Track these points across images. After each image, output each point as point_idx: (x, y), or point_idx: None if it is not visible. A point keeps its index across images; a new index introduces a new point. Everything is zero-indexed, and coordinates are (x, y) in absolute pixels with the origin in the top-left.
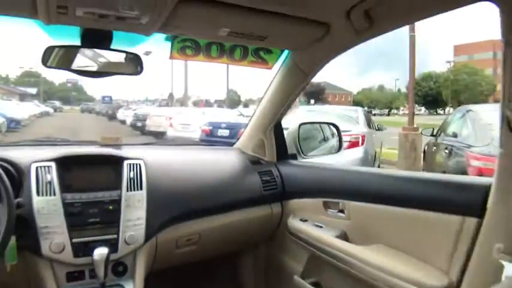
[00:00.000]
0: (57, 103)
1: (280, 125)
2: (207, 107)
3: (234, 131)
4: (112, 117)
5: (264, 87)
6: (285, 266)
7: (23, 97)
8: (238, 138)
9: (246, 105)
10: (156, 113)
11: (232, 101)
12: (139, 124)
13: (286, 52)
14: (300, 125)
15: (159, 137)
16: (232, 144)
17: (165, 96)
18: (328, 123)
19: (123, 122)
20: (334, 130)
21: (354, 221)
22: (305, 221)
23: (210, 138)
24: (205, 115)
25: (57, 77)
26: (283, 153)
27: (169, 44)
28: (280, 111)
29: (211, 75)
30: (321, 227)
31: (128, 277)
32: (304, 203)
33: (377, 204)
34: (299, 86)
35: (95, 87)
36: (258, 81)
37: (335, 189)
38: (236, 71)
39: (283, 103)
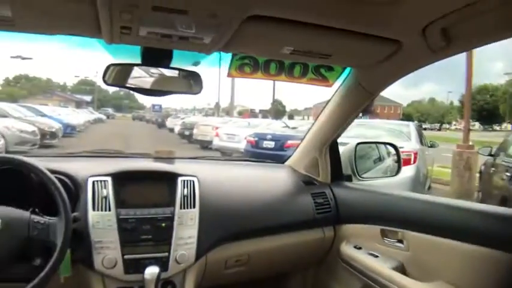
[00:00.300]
0: (110, 110)
1: (337, 144)
2: (252, 117)
3: (280, 142)
4: (161, 125)
5: (310, 98)
6: None
7: (79, 104)
8: (284, 150)
9: (291, 116)
10: (203, 123)
11: (277, 111)
12: (186, 133)
13: (348, 69)
14: (357, 144)
15: (204, 146)
16: (283, 161)
17: (211, 105)
18: (386, 143)
19: (171, 130)
20: (391, 149)
21: (413, 253)
22: (359, 248)
23: (255, 150)
24: (250, 126)
25: None
26: (337, 174)
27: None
28: (338, 130)
29: (256, 85)
30: (377, 256)
31: None
32: (358, 229)
33: (441, 237)
34: (360, 105)
35: (145, 96)
36: (303, 92)
37: (394, 217)
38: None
39: (341, 122)
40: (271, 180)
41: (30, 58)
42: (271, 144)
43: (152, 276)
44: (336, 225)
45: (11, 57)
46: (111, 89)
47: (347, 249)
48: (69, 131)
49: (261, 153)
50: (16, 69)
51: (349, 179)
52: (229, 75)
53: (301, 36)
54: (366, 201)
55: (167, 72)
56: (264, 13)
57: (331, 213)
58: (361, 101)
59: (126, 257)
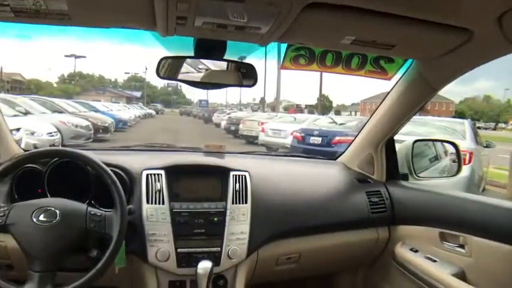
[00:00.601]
0: (159, 106)
1: (393, 141)
2: (298, 113)
3: (327, 139)
4: (208, 120)
5: (357, 94)
6: None
7: (129, 100)
8: (331, 146)
9: (337, 112)
10: (249, 118)
11: (324, 106)
12: (232, 128)
13: (409, 61)
14: (415, 142)
15: (250, 141)
16: (335, 158)
17: (257, 100)
18: (445, 141)
19: (217, 125)
20: (449, 148)
21: (476, 260)
22: (416, 251)
23: (302, 146)
24: (296, 121)
25: (160, 81)
26: (393, 173)
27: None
28: (395, 127)
29: (302, 80)
30: (435, 260)
31: None
32: (415, 231)
33: (508, 244)
34: (422, 100)
35: (192, 91)
36: (350, 87)
37: (455, 220)
38: (329, 75)
39: (400, 118)
40: (323, 177)
41: (84, 56)
42: (318, 140)
43: (205, 271)
44: (390, 225)
45: (65, 56)
46: (160, 85)
47: (402, 251)
48: (121, 125)
49: (308, 149)
50: (70, 67)
51: (405, 178)
52: (282, 67)
53: (364, 24)
54: (424, 202)
55: (220, 64)
56: (325, 0)
57: (386, 213)
58: (422, 96)
59: (179, 250)
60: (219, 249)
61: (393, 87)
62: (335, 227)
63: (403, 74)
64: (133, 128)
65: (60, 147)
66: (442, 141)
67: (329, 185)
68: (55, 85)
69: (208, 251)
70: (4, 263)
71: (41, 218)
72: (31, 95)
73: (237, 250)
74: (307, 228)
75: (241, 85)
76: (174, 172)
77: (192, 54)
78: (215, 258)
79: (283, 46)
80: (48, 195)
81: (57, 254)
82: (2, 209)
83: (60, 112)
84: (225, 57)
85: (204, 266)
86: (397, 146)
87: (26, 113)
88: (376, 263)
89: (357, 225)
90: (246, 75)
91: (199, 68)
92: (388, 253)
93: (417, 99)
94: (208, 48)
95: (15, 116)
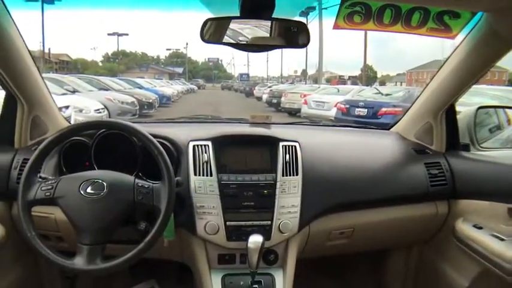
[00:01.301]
0: (201, 81)
1: (455, 108)
2: (341, 84)
3: (373, 110)
4: (249, 93)
5: (403, 64)
6: (444, 276)
7: (172, 76)
8: (377, 118)
9: (382, 83)
10: (291, 90)
11: (368, 77)
12: (274, 101)
13: (478, 15)
14: (478, 109)
15: (292, 113)
16: (388, 128)
17: (298, 73)
18: None
19: (259, 98)
20: None
21: None
22: (479, 228)
23: (347, 117)
24: (340, 92)
25: (201, 56)
26: (454, 143)
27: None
28: (460, 91)
29: (345, 50)
30: (503, 239)
31: (278, 266)
32: (479, 206)
33: None
34: (494, 59)
35: (233, 65)
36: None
37: None
38: (372, 45)
39: (466, 80)
40: (378, 147)
41: (126, 34)
42: (363, 111)
43: (256, 245)
44: (450, 200)
45: (108, 34)
46: (201, 60)
47: (464, 228)
48: (165, 101)
49: (353, 121)
50: (114, 46)
51: (466, 148)
52: (335, 26)
53: None
54: (490, 174)
55: (268, 24)
56: None
57: (446, 187)
58: (495, 54)
59: (228, 223)
60: (269, 222)
61: (457, 47)
62: (391, 200)
63: (471, 31)
64: (177, 103)
65: (107, 119)
66: (509, 107)
67: (384, 156)
68: (100, 64)
69: (258, 224)
70: (54, 234)
71: (89, 190)
72: (78, 74)
73: (288, 224)
74: (361, 202)
75: (292, 45)
76: (221, 143)
77: (237, 14)
78: (265, 232)
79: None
80: (96, 168)
81: (105, 226)
82: (50, 182)
83: (106, 89)
84: (273, 16)
85: (255, 240)
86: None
87: (74, 91)
88: (434, 240)
89: (415, 199)
90: (296, 34)
91: (246, 30)
92: (448, 229)
93: (488, 57)
94: (255, 7)
95: (63, 94)
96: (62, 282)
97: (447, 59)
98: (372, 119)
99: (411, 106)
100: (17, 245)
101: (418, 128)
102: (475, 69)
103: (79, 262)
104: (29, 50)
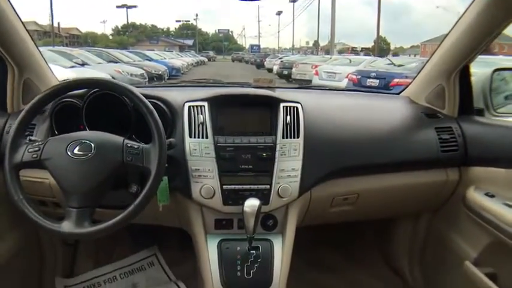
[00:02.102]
0: (211, 53)
1: (469, 69)
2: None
3: (385, 81)
4: (260, 65)
5: (417, 35)
6: (452, 246)
7: (182, 48)
8: (389, 89)
9: (395, 55)
10: (302, 61)
11: (381, 49)
12: (285, 72)
13: None
14: (494, 71)
15: (303, 85)
16: (398, 93)
17: (310, 44)
18: None
19: (270, 70)
20: None
21: None
22: (492, 196)
23: (358, 88)
24: (352, 63)
25: (211, 28)
26: (467, 107)
27: None
28: (476, 49)
29: (358, 21)
30: None
31: (277, 232)
32: (492, 174)
33: None
34: None
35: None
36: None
37: None
38: (386, 17)
39: (482, 38)
40: (386, 111)
41: (135, 6)
42: (375, 82)
43: (252, 209)
44: (461, 167)
45: (117, 6)
46: (211, 32)
47: (476, 196)
48: (174, 73)
49: (364, 92)
50: (123, 19)
51: (480, 113)
52: None
53: None
54: (505, 140)
55: None
56: None
57: (457, 153)
58: None
59: (224, 187)
60: (268, 187)
61: (473, 1)
62: (399, 166)
63: None
64: (187, 75)
65: (97, 77)
66: None
67: (393, 119)
68: (110, 37)
69: (256, 188)
70: (51, 200)
71: (76, 151)
72: (88, 47)
73: (288, 188)
74: (367, 167)
75: None
76: (218, 104)
77: None
78: (263, 196)
79: None
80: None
81: (94, 189)
82: (37, 144)
83: (116, 62)
84: None
85: (252, 203)
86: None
87: (83, 64)
88: (443, 209)
89: (424, 165)
90: None
91: None
92: (458, 198)
93: (508, 10)
94: None
95: (72, 67)
96: (62, 249)
97: (462, 15)
98: (384, 90)
99: (422, 68)
100: (15, 213)
101: (430, 92)
102: (492, 24)
103: (66, 226)
104: (15, 11)
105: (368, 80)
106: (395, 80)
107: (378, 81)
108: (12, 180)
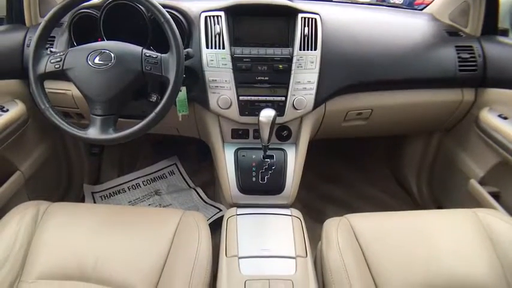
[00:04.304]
0: None
1: None
2: None
3: None
4: None
5: None
6: (461, 164)
7: None
8: (413, 8)
9: None
10: None
11: None
12: None
13: None
14: None
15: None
16: (422, 9)
17: None
18: None
19: None
20: None
21: None
22: (505, 118)
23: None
24: None
25: None
26: (491, 27)
27: None
28: None
29: None
30: None
31: (291, 143)
32: (508, 96)
33: None
34: None
35: None
36: None
37: None
38: None
39: None
40: (406, 27)
41: None
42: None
43: (267, 119)
44: (478, 88)
45: None
46: None
47: (489, 117)
48: None
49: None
50: None
51: (504, 34)
52: None
53: None
54: None
55: None
56: None
57: (476, 73)
58: None
59: (241, 98)
60: (283, 98)
61: None
62: (415, 83)
63: None
64: None
65: None
66: None
67: (412, 35)
68: None
69: (272, 99)
70: (74, 111)
71: (96, 60)
72: None
73: (303, 100)
74: (383, 82)
75: None
76: (235, 13)
77: None
78: (279, 108)
79: None
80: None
81: (116, 97)
82: (58, 54)
83: None
84: None
85: (267, 114)
86: None
87: None
88: (454, 129)
89: (440, 83)
90: None
91: None
92: (471, 118)
93: None
94: None
95: None
96: (88, 160)
97: None
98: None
99: None
100: (42, 124)
101: (454, 9)
102: None
103: (92, 132)
104: None
105: None
106: None
107: None
108: (37, 90)
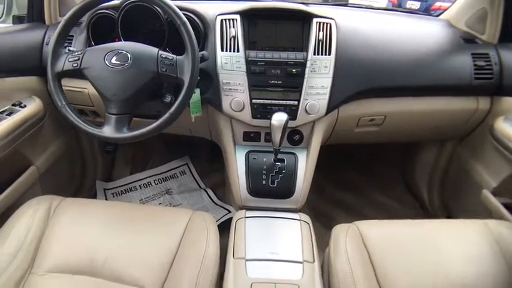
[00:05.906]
0: None
1: None
2: None
3: (426, 4)
4: None
5: None
6: (473, 174)
7: None
8: (430, 14)
9: None
10: None
11: None
12: None
13: None
14: None
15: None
16: (438, 15)
17: None
18: None
19: None
20: None
21: None
22: None
23: (397, 9)
24: None
25: None
26: (509, 34)
27: None
28: None
29: None
30: None
31: (302, 147)
32: None
33: None
34: None
35: None
36: None
37: None
38: None
39: None
40: (422, 33)
41: None
42: (416, 4)
43: (279, 123)
44: (494, 96)
45: None
46: None
47: (505, 126)
48: None
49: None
50: None
51: None
52: None
53: None
54: None
55: None
56: None
57: (492, 81)
58: None
59: (254, 101)
60: (296, 102)
61: None
62: (429, 90)
63: None
64: None
65: None
66: None
67: (427, 42)
68: None
69: (284, 103)
70: (90, 109)
71: (113, 61)
72: None
73: (315, 105)
74: (397, 89)
75: None
76: (250, 17)
77: None
78: (291, 112)
79: None
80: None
81: (132, 97)
82: (76, 53)
83: None
84: None
85: (279, 117)
86: None
87: None
88: (468, 137)
89: (455, 91)
90: None
91: None
92: (485, 127)
93: None
94: None
95: None
96: (102, 157)
97: None
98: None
99: None
100: (58, 120)
101: (471, 15)
102: None
103: (107, 130)
104: None
105: (408, 1)
106: (438, 4)
107: (419, 3)
108: (55, 87)
